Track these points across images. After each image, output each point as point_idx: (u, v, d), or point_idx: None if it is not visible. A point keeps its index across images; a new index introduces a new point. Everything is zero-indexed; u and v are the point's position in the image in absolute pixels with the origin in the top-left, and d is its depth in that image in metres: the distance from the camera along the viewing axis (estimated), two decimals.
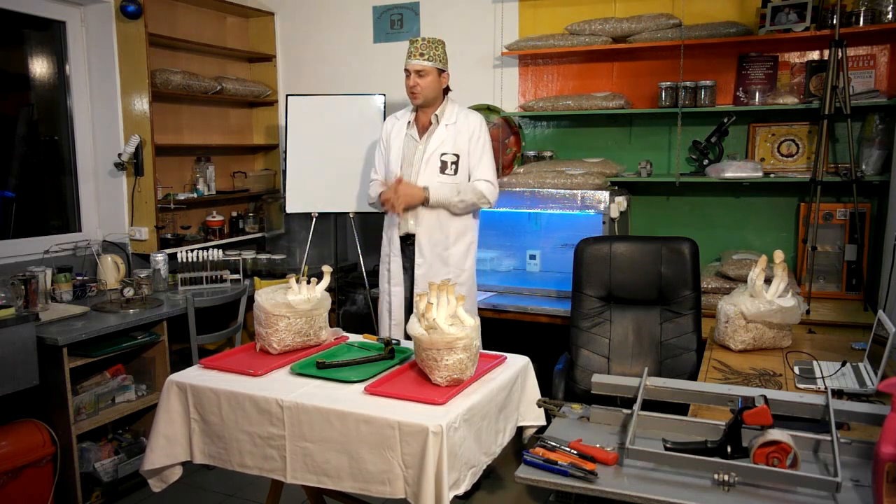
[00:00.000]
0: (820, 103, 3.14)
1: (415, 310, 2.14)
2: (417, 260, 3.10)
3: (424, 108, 3.10)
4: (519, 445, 2.18)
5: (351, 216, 4.08)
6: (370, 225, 4.52)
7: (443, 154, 3.05)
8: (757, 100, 3.41)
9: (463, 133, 3.08)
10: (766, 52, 3.43)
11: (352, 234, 4.20)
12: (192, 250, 3.73)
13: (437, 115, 3.09)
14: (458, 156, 3.06)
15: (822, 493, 1.45)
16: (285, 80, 4.68)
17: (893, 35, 3.20)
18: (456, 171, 3.06)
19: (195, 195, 4.18)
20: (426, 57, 2.99)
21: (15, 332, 2.65)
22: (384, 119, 3.99)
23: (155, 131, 3.77)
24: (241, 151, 4.69)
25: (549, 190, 3.46)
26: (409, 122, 3.15)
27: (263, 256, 4.34)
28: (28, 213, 3.72)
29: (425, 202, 3.03)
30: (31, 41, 3.72)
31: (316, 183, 4.01)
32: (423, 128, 3.12)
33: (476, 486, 2.79)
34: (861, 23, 3.13)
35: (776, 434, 1.53)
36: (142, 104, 3.75)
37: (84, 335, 2.88)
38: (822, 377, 2.10)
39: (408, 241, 3.15)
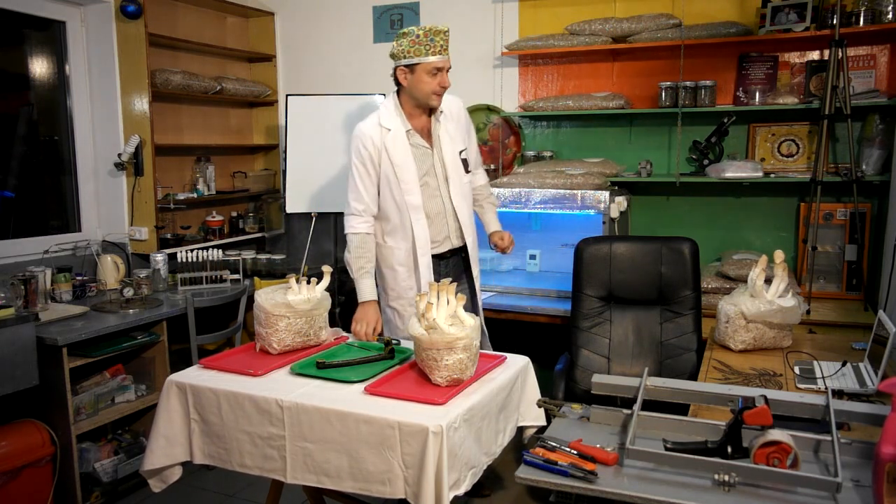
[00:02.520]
0: (820, 103, 3.14)
1: (415, 310, 2.13)
2: (474, 272, 2.91)
3: (420, 108, 2.70)
4: (519, 445, 2.18)
5: None
6: None
7: (460, 152, 2.75)
8: (757, 100, 3.40)
9: (454, 120, 2.78)
10: (767, 52, 3.43)
11: None
12: (191, 250, 3.73)
13: (441, 112, 2.72)
14: (465, 148, 2.79)
15: (822, 494, 1.45)
16: (285, 80, 4.68)
17: (893, 35, 3.20)
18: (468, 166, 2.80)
19: (195, 195, 4.18)
20: (448, 51, 2.59)
21: (15, 332, 2.65)
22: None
23: (155, 131, 3.77)
24: (240, 151, 4.69)
25: (550, 190, 3.46)
26: (409, 130, 2.69)
27: (263, 256, 4.34)
28: (28, 213, 3.72)
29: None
30: (31, 41, 3.72)
31: (316, 183, 4.01)
32: (425, 131, 2.73)
33: (480, 486, 2.75)
34: (861, 23, 3.13)
35: (776, 434, 1.53)
36: (142, 104, 3.74)
37: (84, 335, 2.88)
38: (823, 377, 2.10)
39: (443, 258, 2.84)
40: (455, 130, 2.79)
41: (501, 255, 3.06)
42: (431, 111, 2.73)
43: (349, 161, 2.75)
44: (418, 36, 2.55)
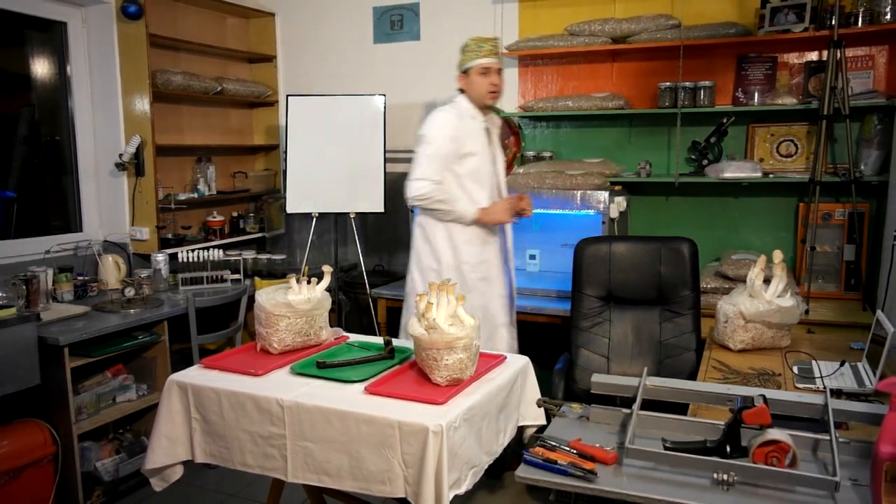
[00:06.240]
0: (819, 104, 3.14)
1: (415, 310, 2.14)
2: (510, 264, 3.15)
3: (480, 109, 2.99)
4: (519, 445, 2.19)
5: (351, 216, 4.09)
6: (370, 225, 4.53)
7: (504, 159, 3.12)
8: (756, 100, 3.41)
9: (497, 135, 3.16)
10: (765, 52, 3.44)
11: (352, 233, 4.21)
12: (192, 250, 3.74)
13: (492, 118, 3.06)
14: None
15: (820, 493, 1.46)
16: (286, 80, 4.69)
17: (892, 36, 3.21)
18: None
19: (196, 195, 4.19)
20: (499, 56, 2.95)
21: (16, 332, 2.65)
22: (384, 118, 4.00)
23: (156, 131, 3.78)
24: (241, 152, 4.70)
25: (549, 190, 3.46)
26: (482, 122, 2.99)
27: (264, 256, 4.35)
28: (29, 214, 3.73)
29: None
30: (32, 42, 3.73)
31: (316, 183, 4.02)
32: (486, 130, 3.05)
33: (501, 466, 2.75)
34: (860, 23, 3.13)
35: (775, 433, 1.54)
36: (143, 104, 3.75)
37: (85, 335, 2.89)
38: (821, 377, 2.11)
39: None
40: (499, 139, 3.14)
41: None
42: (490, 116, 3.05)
43: (420, 142, 2.92)
44: (468, 45, 2.92)
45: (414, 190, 2.88)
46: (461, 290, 2.95)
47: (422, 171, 2.88)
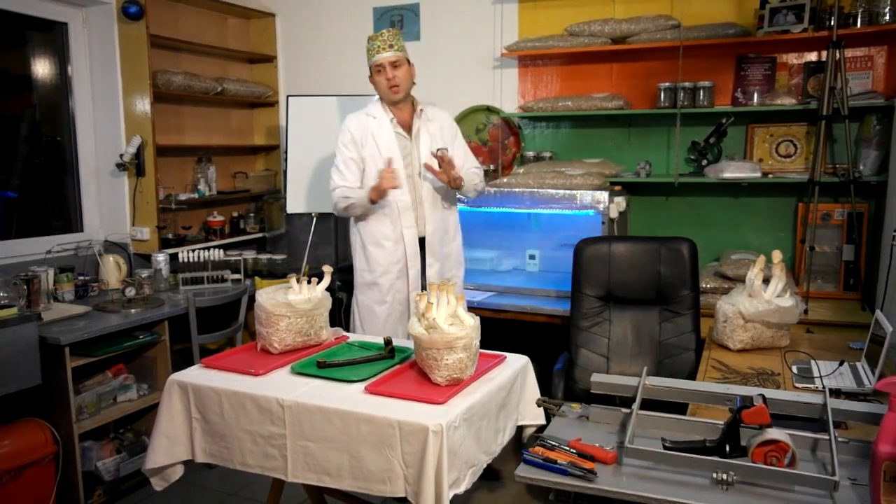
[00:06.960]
0: (818, 104, 3.15)
1: (415, 309, 2.14)
2: (428, 260, 3.07)
3: (400, 103, 3.02)
4: (519, 444, 2.20)
5: None
6: None
7: (437, 150, 3.02)
8: (755, 100, 3.42)
9: (444, 127, 3.12)
10: (765, 53, 3.44)
11: None
12: (193, 250, 3.74)
13: (421, 110, 3.07)
14: (445, 148, 3.05)
15: (819, 492, 1.47)
16: (286, 80, 4.70)
17: (891, 36, 3.21)
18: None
19: (196, 195, 4.20)
20: (396, 48, 2.93)
21: (17, 332, 2.66)
22: None
23: (156, 132, 3.78)
24: (242, 152, 4.71)
25: (549, 190, 3.47)
26: (392, 119, 3.02)
27: (264, 256, 4.35)
28: (30, 214, 3.74)
29: (459, 185, 3.01)
30: (33, 42, 3.73)
31: (316, 183, 4.02)
32: (406, 125, 3.05)
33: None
34: (859, 24, 3.14)
35: (774, 433, 1.54)
36: (143, 105, 3.76)
37: (86, 335, 2.90)
38: (820, 376, 2.12)
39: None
40: (437, 132, 3.09)
41: (461, 194, 3.21)
42: (415, 110, 3.07)
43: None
44: (366, 45, 2.98)
45: (332, 201, 3.04)
46: (377, 294, 3.07)
47: (332, 182, 3.05)
